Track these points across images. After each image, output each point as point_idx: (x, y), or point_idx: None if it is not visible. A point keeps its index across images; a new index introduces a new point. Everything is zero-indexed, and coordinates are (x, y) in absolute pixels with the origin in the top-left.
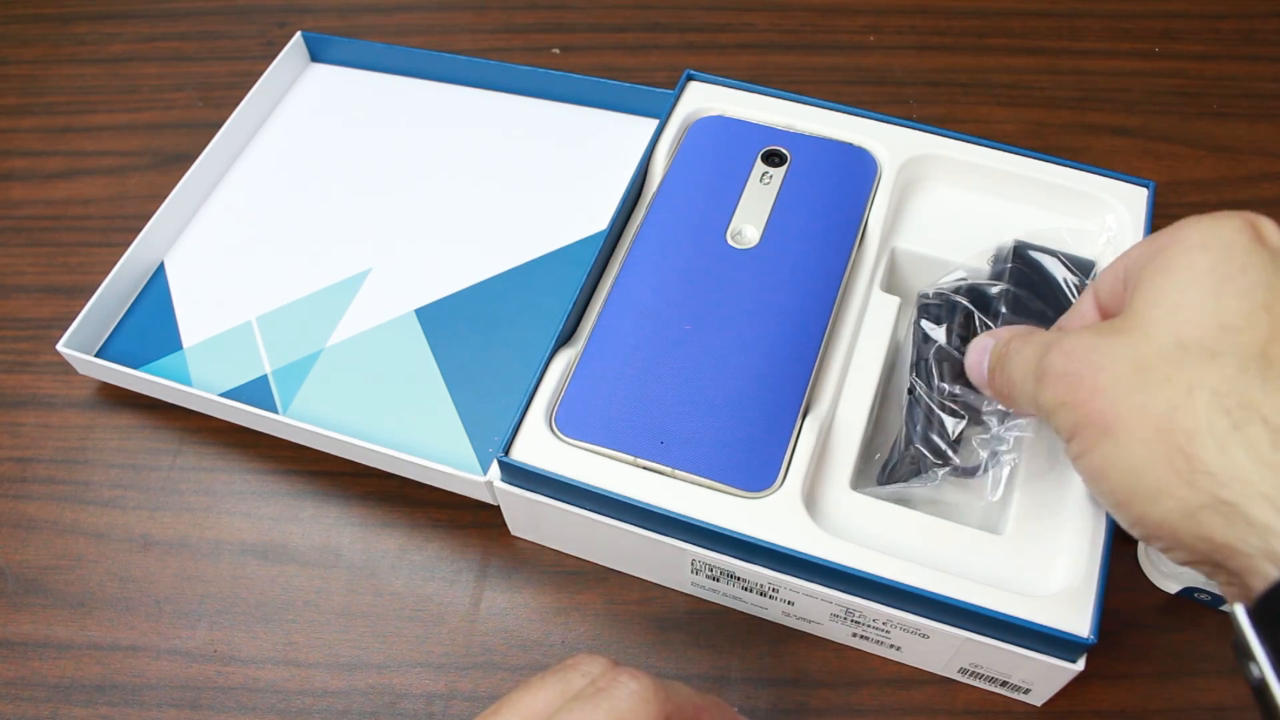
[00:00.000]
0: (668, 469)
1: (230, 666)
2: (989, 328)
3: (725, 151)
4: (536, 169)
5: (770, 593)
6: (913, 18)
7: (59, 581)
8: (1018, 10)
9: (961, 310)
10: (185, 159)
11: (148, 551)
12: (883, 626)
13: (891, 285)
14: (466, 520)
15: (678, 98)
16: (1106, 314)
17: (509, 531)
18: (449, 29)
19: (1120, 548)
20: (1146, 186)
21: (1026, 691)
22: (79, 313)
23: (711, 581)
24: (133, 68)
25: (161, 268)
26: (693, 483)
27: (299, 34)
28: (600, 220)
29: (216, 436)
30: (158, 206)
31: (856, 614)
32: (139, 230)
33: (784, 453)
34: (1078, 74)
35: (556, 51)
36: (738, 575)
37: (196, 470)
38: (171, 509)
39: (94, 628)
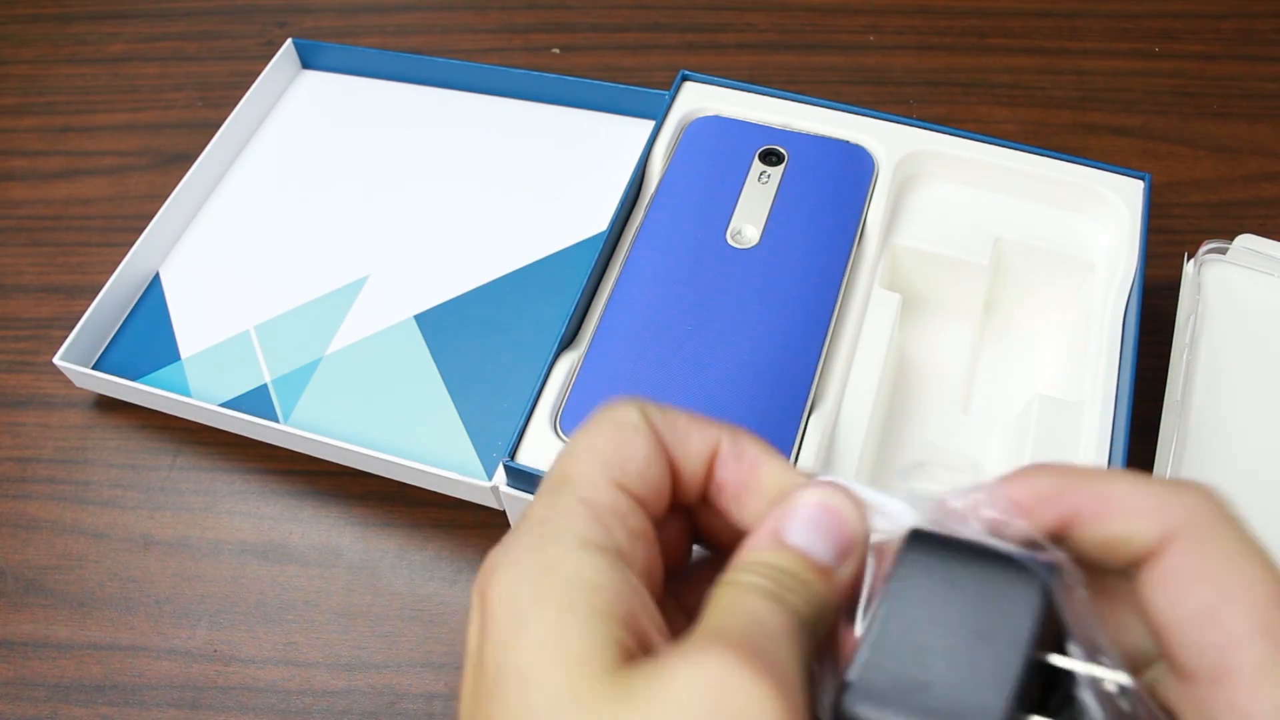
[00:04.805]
0: None
1: (230, 666)
2: None
3: (722, 151)
4: (533, 172)
5: None
6: (913, 18)
7: (59, 581)
8: (1018, 10)
9: None
10: (185, 159)
11: (148, 551)
12: None
13: (892, 282)
14: (467, 520)
15: (673, 98)
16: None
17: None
18: (449, 29)
19: None
20: (1142, 179)
21: None
22: (79, 314)
23: None
24: (133, 68)
25: (157, 278)
26: None
27: (289, 41)
28: (599, 222)
29: (217, 437)
30: (158, 207)
31: None
32: (139, 230)
33: (790, 451)
34: (1078, 74)
35: (556, 51)
36: None
37: (196, 470)
38: (171, 509)
39: (94, 628)
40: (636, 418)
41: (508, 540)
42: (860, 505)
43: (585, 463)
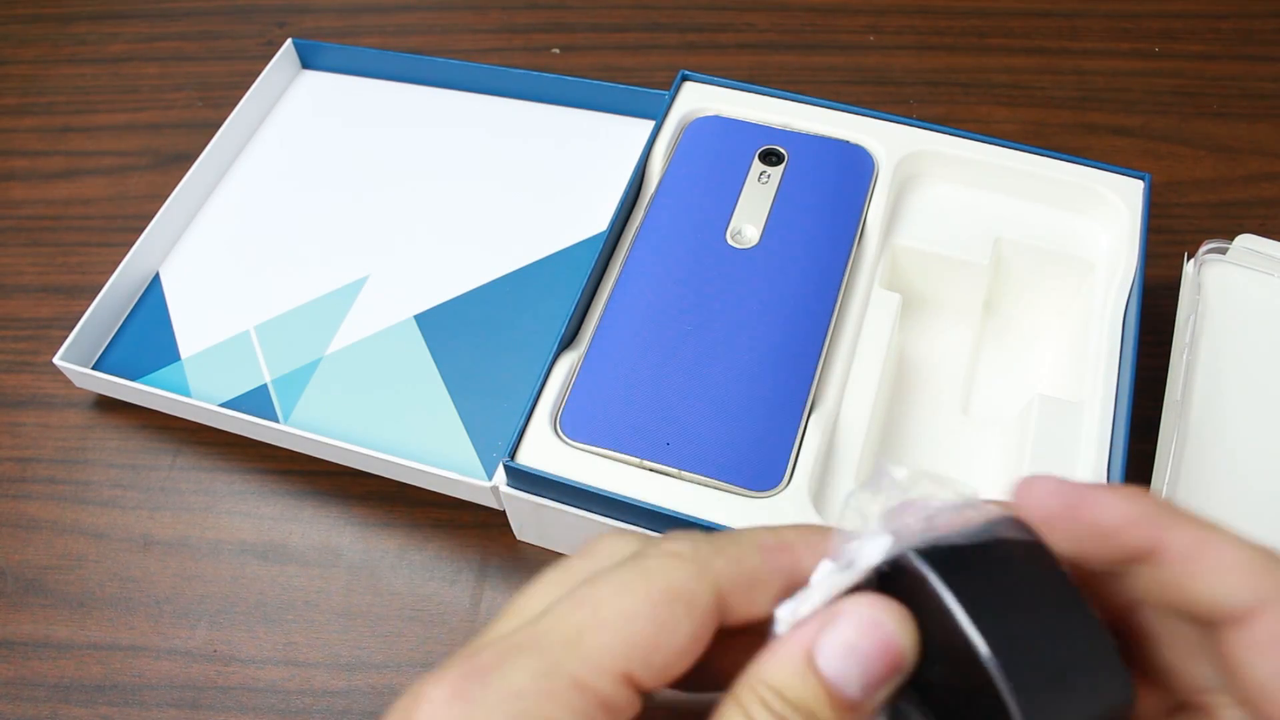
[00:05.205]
0: (674, 470)
1: (230, 666)
2: None
3: (722, 151)
4: (533, 172)
5: None
6: (913, 18)
7: (59, 581)
8: (1018, 10)
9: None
10: (185, 159)
11: (148, 551)
12: None
13: (892, 282)
14: (467, 520)
15: (673, 98)
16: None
17: (509, 532)
18: (449, 29)
19: None
20: (1142, 179)
21: None
22: (79, 314)
23: None
24: (133, 68)
25: (157, 278)
26: (699, 483)
27: (289, 41)
28: (599, 223)
29: (216, 437)
30: (158, 207)
31: None
32: (139, 230)
33: (790, 451)
34: (1078, 74)
35: (556, 51)
36: None
37: (196, 470)
38: (171, 509)
39: (94, 628)
40: (700, 591)
41: (467, 681)
42: (911, 623)
43: (606, 636)
